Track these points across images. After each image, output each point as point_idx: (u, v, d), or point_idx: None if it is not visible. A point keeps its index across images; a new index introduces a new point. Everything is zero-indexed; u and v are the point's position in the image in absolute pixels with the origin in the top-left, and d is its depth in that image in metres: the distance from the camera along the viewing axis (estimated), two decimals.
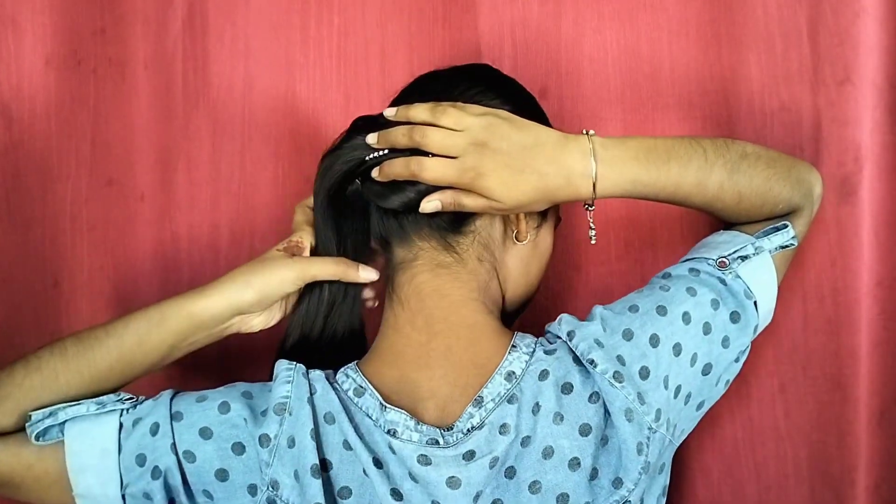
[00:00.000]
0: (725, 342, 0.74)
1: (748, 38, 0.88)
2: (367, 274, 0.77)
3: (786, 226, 0.78)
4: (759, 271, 0.77)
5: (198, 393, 0.74)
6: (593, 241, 0.77)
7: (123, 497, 0.71)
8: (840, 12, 0.85)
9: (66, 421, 0.72)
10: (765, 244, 0.78)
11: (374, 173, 0.73)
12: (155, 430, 0.71)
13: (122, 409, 0.73)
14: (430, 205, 0.71)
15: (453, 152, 0.70)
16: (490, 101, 0.74)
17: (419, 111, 0.72)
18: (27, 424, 0.72)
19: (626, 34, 0.90)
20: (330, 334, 0.78)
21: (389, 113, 0.74)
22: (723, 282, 0.75)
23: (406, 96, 0.78)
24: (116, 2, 0.94)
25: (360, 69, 0.93)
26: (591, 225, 0.76)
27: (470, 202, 0.71)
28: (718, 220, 0.82)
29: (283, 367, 0.73)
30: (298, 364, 0.73)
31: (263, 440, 0.69)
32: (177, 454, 0.70)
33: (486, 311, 0.74)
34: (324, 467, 0.69)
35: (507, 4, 0.92)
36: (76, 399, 0.74)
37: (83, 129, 0.94)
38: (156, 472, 0.70)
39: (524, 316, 0.94)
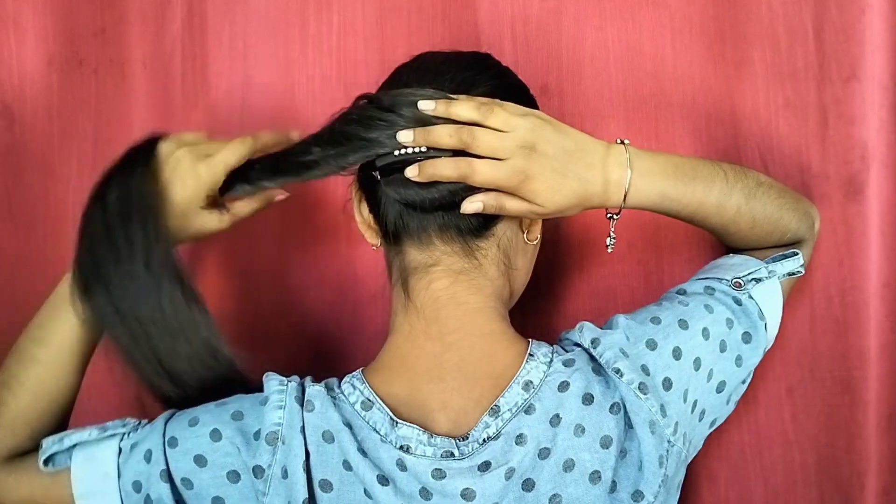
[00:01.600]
0: (739, 361, 0.74)
1: (752, 35, 0.87)
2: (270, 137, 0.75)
3: (796, 253, 0.79)
4: (770, 295, 0.78)
5: (190, 414, 0.72)
6: (610, 250, 0.76)
7: None
8: (845, 9, 0.84)
9: (72, 447, 0.73)
10: (777, 269, 0.78)
11: (412, 172, 0.67)
12: (148, 457, 0.71)
13: (123, 434, 0.73)
14: (472, 205, 0.68)
15: (502, 155, 0.67)
16: (482, 87, 0.72)
17: (464, 109, 0.67)
18: (39, 451, 0.73)
19: (628, 31, 0.89)
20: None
21: (427, 107, 0.68)
22: (738, 302, 0.75)
23: (402, 78, 0.74)
24: (116, 2, 0.94)
25: (359, 68, 0.93)
26: (612, 234, 0.76)
27: (513, 206, 0.69)
28: (724, 244, 0.83)
29: (273, 387, 0.70)
30: (291, 382, 0.71)
31: (257, 471, 0.68)
32: (171, 481, 0.70)
33: (500, 318, 0.73)
34: (325, 488, 0.68)
35: (507, 0, 0.91)
36: (66, 403, 0.77)
37: (84, 129, 0.95)
38: (148, 500, 0.71)
39: (528, 318, 0.93)
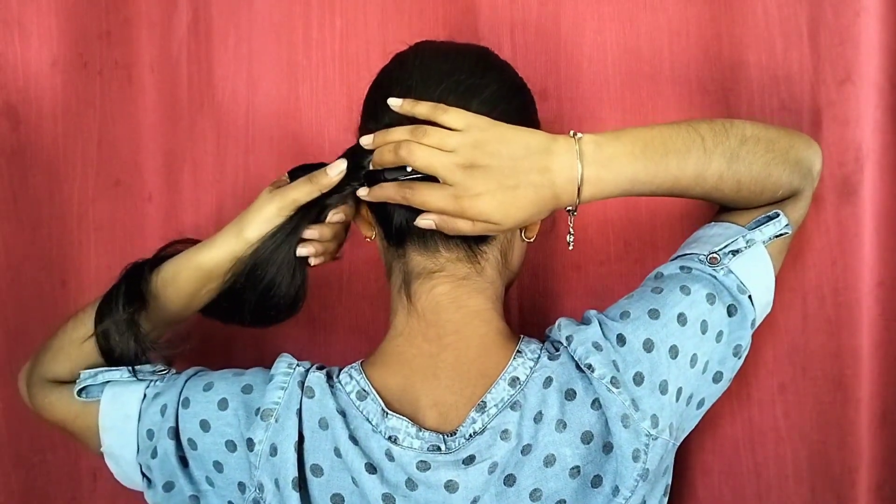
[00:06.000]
0: (720, 337, 0.69)
1: (748, 38, 0.83)
2: (334, 170, 0.69)
3: (777, 214, 0.73)
4: (751, 264, 0.72)
5: (208, 378, 0.72)
6: (571, 247, 0.72)
7: (139, 463, 0.73)
8: (841, 11, 0.80)
9: (105, 383, 0.74)
10: (756, 236, 0.72)
11: (362, 193, 0.68)
12: (163, 410, 0.71)
13: (151, 381, 0.74)
14: (424, 221, 0.66)
15: (440, 173, 0.64)
16: (486, 91, 0.69)
17: (398, 136, 0.65)
18: (76, 381, 0.75)
19: (625, 35, 0.86)
20: (265, 278, 0.71)
21: (366, 141, 0.67)
22: (714, 278, 0.70)
23: (408, 79, 0.70)
24: (121, 5, 0.92)
25: (362, 71, 0.90)
26: (571, 230, 0.70)
27: (466, 227, 0.65)
28: (717, 207, 0.78)
29: (281, 368, 0.69)
30: (298, 367, 0.70)
31: (249, 444, 0.67)
32: (177, 439, 0.70)
33: (497, 318, 0.71)
34: (316, 473, 0.66)
35: (507, 6, 0.88)
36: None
37: (89, 130, 0.92)
38: (154, 453, 0.71)
39: (527, 317, 0.91)
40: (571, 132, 0.66)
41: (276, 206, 0.70)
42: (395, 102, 0.67)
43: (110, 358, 0.74)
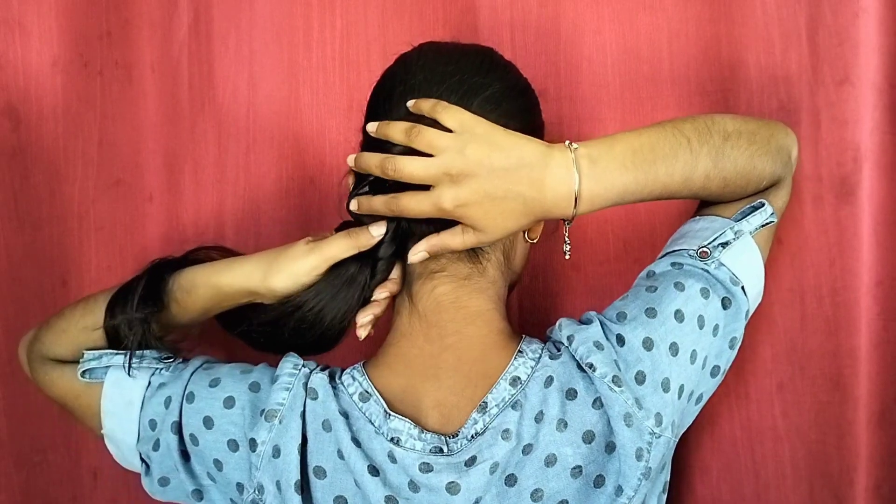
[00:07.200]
0: (716, 330, 0.69)
1: (747, 39, 0.83)
2: (376, 230, 0.68)
3: (762, 204, 0.72)
4: (742, 255, 0.71)
5: (215, 373, 0.71)
6: (567, 257, 0.71)
7: (139, 451, 0.73)
8: (839, 12, 0.79)
9: (109, 366, 0.73)
10: (744, 227, 0.71)
11: (353, 206, 0.68)
12: (167, 403, 0.71)
13: (156, 369, 0.73)
14: (416, 256, 0.66)
15: (427, 182, 0.63)
16: (489, 90, 0.68)
17: (395, 131, 0.65)
18: (80, 361, 0.74)
19: (625, 35, 0.85)
20: (315, 318, 0.69)
21: (371, 128, 0.67)
22: (707, 272, 0.70)
23: (411, 80, 0.69)
24: (122, 6, 0.91)
25: (362, 71, 0.89)
26: (567, 240, 0.70)
27: (456, 242, 0.65)
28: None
29: (287, 368, 0.69)
30: (304, 367, 0.69)
31: (252, 444, 0.66)
32: (180, 434, 0.70)
33: (499, 318, 0.70)
34: (319, 475, 0.66)
35: (507, 6, 0.87)
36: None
37: (90, 130, 0.91)
38: (156, 445, 0.71)
39: (526, 317, 0.90)
40: (567, 143, 0.65)
41: (311, 264, 0.68)
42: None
43: (116, 348, 0.74)
